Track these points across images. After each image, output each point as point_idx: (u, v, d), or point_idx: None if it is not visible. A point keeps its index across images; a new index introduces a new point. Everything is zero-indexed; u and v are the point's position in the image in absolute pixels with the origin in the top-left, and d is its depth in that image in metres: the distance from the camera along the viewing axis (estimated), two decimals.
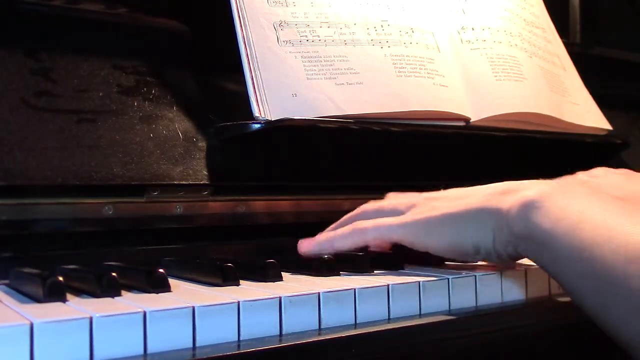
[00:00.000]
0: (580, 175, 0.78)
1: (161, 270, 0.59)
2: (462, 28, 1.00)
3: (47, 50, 0.78)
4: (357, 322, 0.57)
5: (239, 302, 0.52)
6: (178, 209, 0.78)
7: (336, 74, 0.84)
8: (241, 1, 0.84)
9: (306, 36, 0.85)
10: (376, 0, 0.92)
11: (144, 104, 0.80)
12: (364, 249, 0.73)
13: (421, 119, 0.89)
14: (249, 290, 0.57)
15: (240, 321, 0.51)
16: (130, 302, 0.51)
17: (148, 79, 0.83)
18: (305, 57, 0.84)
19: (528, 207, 0.59)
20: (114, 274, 0.56)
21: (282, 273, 0.64)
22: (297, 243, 0.76)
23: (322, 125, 0.80)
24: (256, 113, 0.79)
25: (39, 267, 0.66)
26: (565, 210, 0.57)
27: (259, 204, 0.85)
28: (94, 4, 0.85)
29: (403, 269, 0.72)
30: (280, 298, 0.54)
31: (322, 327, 0.55)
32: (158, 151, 0.78)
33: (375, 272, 0.70)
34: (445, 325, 0.60)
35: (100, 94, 0.78)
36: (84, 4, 0.85)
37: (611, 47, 1.44)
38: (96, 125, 0.76)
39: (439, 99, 0.90)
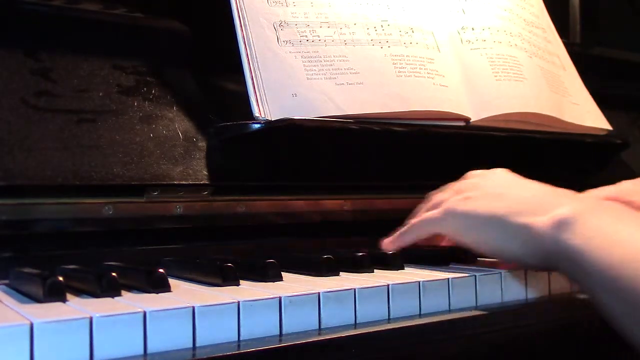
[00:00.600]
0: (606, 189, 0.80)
1: (161, 270, 0.59)
2: (462, 28, 1.00)
3: (47, 50, 0.78)
4: (357, 322, 0.57)
5: (239, 302, 0.52)
6: (178, 209, 0.78)
7: (336, 74, 0.84)
8: (241, 1, 0.84)
9: (306, 36, 0.85)
10: (376, 0, 0.92)
11: (144, 104, 0.80)
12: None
13: (421, 119, 0.89)
14: (249, 290, 0.57)
15: (240, 321, 0.51)
16: (130, 302, 0.51)
17: (148, 79, 0.83)
18: (305, 57, 0.84)
19: (560, 225, 0.60)
20: (114, 274, 0.56)
21: (282, 273, 0.64)
22: (296, 243, 0.76)
23: (322, 125, 0.80)
24: (256, 113, 0.79)
25: (39, 267, 0.66)
26: (596, 228, 0.58)
27: (259, 204, 0.85)
28: (93, 4, 0.85)
29: (403, 268, 0.72)
30: (280, 298, 0.54)
31: (322, 327, 0.55)
32: (158, 151, 0.78)
33: (375, 271, 0.70)
34: (445, 325, 0.60)
35: (100, 94, 0.78)
36: (84, 4, 0.85)
37: (611, 47, 1.44)
38: (96, 125, 0.76)
39: (439, 99, 0.90)
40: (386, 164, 0.93)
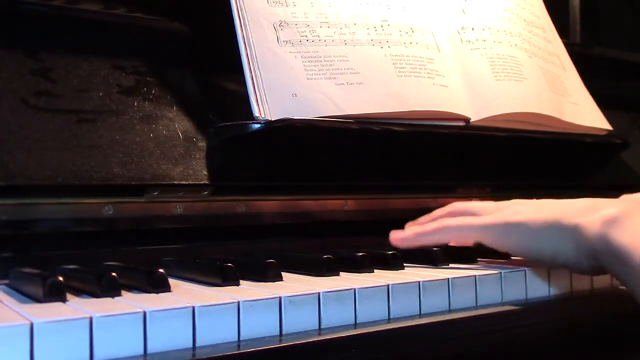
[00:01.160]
0: None
1: (161, 270, 0.59)
2: (462, 28, 1.00)
3: (47, 50, 0.78)
4: (357, 322, 0.57)
5: (239, 302, 0.52)
6: (178, 209, 0.78)
7: (336, 74, 0.84)
8: (241, 1, 0.84)
9: (306, 36, 0.85)
10: (376, 0, 0.92)
11: (144, 104, 0.80)
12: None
13: (421, 119, 0.89)
14: (249, 290, 0.57)
15: (240, 321, 0.51)
16: (130, 302, 0.51)
17: (148, 79, 0.83)
18: (305, 57, 0.84)
19: (609, 224, 0.61)
20: (114, 274, 0.56)
21: (282, 273, 0.64)
22: (296, 243, 0.76)
23: (322, 125, 0.80)
24: (256, 113, 0.79)
25: (39, 267, 0.66)
26: None
27: (259, 204, 0.85)
28: (93, 4, 0.85)
29: (403, 268, 0.72)
30: (280, 298, 0.54)
31: (322, 327, 0.55)
32: (158, 151, 0.78)
33: (375, 271, 0.70)
34: (445, 325, 0.60)
35: (100, 94, 0.78)
36: (84, 4, 0.85)
37: (611, 47, 1.44)
38: (96, 125, 0.76)
39: (439, 99, 0.90)
40: (386, 164, 0.93)
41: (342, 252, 0.80)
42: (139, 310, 0.48)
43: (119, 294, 0.54)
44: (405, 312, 0.60)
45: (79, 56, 0.79)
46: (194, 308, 0.50)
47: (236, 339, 0.51)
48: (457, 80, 0.94)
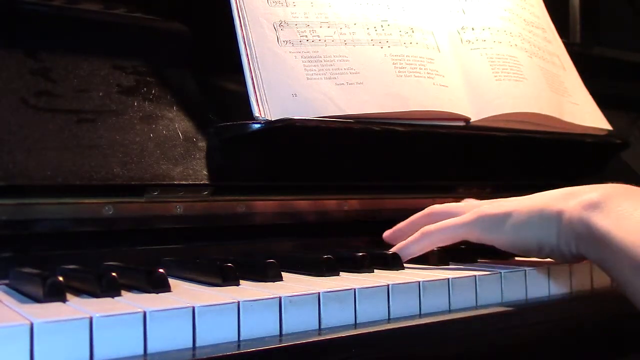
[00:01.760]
0: None
1: (161, 270, 0.59)
2: (462, 28, 1.00)
3: (47, 50, 0.78)
4: (357, 322, 0.57)
5: (239, 302, 0.52)
6: (178, 209, 0.78)
7: (336, 74, 0.84)
8: (241, 1, 0.84)
9: (306, 36, 0.85)
10: (376, 0, 0.92)
11: (144, 104, 0.80)
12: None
13: (421, 119, 0.89)
14: (249, 290, 0.57)
15: (240, 321, 0.51)
16: (130, 302, 0.51)
17: (148, 79, 0.83)
18: (305, 57, 0.84)
19: (590, 208, 0.62)
20: (114, 274, 0.56)
21: (282, 273, 0.64)
22: (296, 243, 0.76)
23: (322, 125, 0.80)
24: (256, 113, 0.79)
25: (39, 267, 0.66)
26: (626, 211, 0.61)
27: (259, 204, 0.85)
28: (94, 4, 0.85)
29: (403, 268, 0.72)
30: (280, 298, 0.54)
31: (322, 327, 0.55)
32: (158, 151, 0.78)
33: (375, 271, 0.70)
34: (445, 325, 0.60)
35: (100, 94, 0.78)
36: (84, 4, 0.85)
37: (611, 47, 1.44)
38: (96, 125, 0.76)
39: (439, 99, 0.90)
40: (386, 164, 0.93)
41: (342, 252, 0.80)
42: (139, 310, 0.48)
43: (119, 294, 0.54)
44: (405, 312, 0.60)
45: (79, 56, 0.79)
46: (194, 308, 0.50)
47: (236, 339, 0.51)
48: (457, 80, 0.94)
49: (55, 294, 0.52)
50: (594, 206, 0.62)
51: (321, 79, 0.83)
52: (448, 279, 0.64)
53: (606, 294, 0.75)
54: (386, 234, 0.83)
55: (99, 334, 0.46)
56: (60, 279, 0.54)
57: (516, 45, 1.03)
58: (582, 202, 0.64)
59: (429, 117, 0.89)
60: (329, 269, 0.67)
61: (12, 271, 0.66)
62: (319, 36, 0.86)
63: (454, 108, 0.91)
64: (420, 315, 0.61)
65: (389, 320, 0.59)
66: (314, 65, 0.84)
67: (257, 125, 0.79)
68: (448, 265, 0.75)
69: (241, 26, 0.83)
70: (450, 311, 0.63)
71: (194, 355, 0.48)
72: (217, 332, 0.50)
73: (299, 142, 0.83)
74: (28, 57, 0.76)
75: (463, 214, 0.74)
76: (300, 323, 0.54)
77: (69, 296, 0.53)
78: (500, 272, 0.68)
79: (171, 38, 0.89)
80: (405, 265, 0.73)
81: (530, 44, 1.06)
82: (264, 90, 0.80)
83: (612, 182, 0.67)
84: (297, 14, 0.86)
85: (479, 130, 0.94)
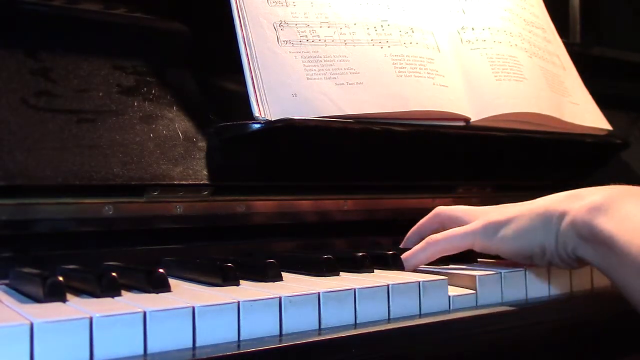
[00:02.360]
0: None
1: (161, 270, 0.59)
2: (462, 28, 1.00)
3: (47, 50, 0.78)
4: (357, 322, 0.57)
5: (239, 302, 0.52)
6: (178, 209, 0.78)
7: (336, 74, 0.84)
8: (241, 1, 0.84)
9: (306, 36, 0.85)
10: (376, 0, 0.92)
11: (144, 104, 0.80)
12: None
13: (421, 119, 0.89)
14: (249, 290, 0.57)
15: (240, 321, 0.51)
16: (130, 302, 0.51)
17: (148, 79, 0.83)
18: (305, 57, 0.84)
19: (594, 211, 0.62)
20: (114, 274, 0.56)
21: (282, 273, 0.64)
22: (296, 243, 0.76)
23: (322, 125, 0.80)
24: (256, 113, 0.79)
25: (39, 267, 0.66)
26: (630, 213, 0.60)
27: (259, 204, 0.85)
28: (94, 4, 0.85)
29: (403, 268, 0.72)
30: (280, 298, 0.54)
31: (322, 327, 0.55)
32: (158, 151, 0.78)
33: (375, 271, 0.70)
34: (445, 325, 0.60)
35: (100, 94, 0.78)
36: (84, 4, 0.85)
37: (611, 47, 1.44)
38: (96, 125, 0.76)
39: (439, 99, 0.90)
40: (386, 164, 0.93)
41: (342, 252, 0.80)
42: (139, 310, 0.48)
43: (119, 294, 0.54)
44: (405, 312, 0.60)
45: (79, 56, 0.79)
46: (194, 308, 0.50)
47: (236, 339, 0.51)
48: (457, 80, 0.94)
49: (55, 294, 0.52)
50: (597, 208, 0.62)
51: (321, 79, 0.83)
52: (447, 279, 0.64)
53: (606, 294, 0.75)
54: (401, 245, 0.82)
55: (99, 334, 0.46)
56: (60, 279, 0.54)
57: (516, 45, 1.03)
58: (585, 204, 0.63)
59: (429, 117, 0.89)
60: (329, 269, 0.67)
61: (12, 271, 0.66)
62: (319, 36, 0.86)
63: (454, 108, 0.91)
64: (420, 315, 0.61)
65: (389, 320, 0.59)
66: (314, 65, 0.84)
67: (257, 125, 0.79)
68: (448, 265, 0.75)
69: (241, 26, 0.83)
70: (450, 311, 0.63)
71: (194, 355, 0.48)
72: (217, 332, 0.50)
73: (299, 142, 0.83)
74: (28, 57, 0.76)
75: (468, 221, 0.74)
76: (300, 323, 0.54)
77: (69, 296, 0.53)
78: (500, 272, 0.68)
79: (171, 38, 0.89)
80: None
81: (530, 44, 1.06)
82: (264, 90, 0.80)
83: (613, 183, 0.67)
84: (297, 14, 0.86)
85: (479, 130, 0.94)
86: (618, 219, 0.60)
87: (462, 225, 0.74)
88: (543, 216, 0.67)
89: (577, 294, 0.73)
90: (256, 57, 0.81)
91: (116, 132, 0.76)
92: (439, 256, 0.74)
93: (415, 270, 0.72)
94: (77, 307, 0.49)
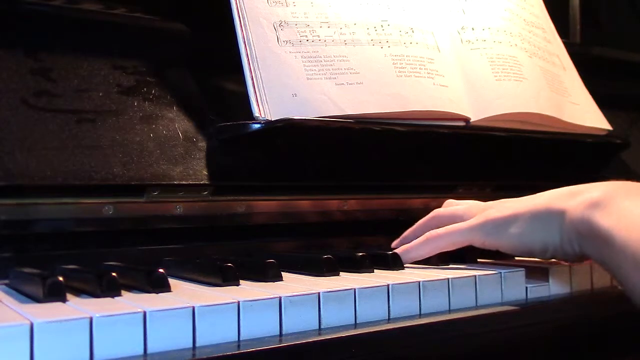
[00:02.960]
0: None
1: (161, 270, 0.59)
2: (462, 28, 1.00)
3: (47, 50, 0.78)
4: (357, 322, 0.57)
5: (239, 302, 0.52)
6: (178, 209, 0.78)
7: (336, 74, 0.84)
8: (241, 1, 0.84)
9: (306, 36, 0.85)
10: (376, 1, 0.92)
11: (144, 104, 0.80)
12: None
13: (421, 119, 0.89)
14: (249, 290, 0.57)
15: (240, 321, 0.51)
16: (130, 302, 0.51)
17: (148, 79, 0.83)
18: (305, 57, 0.84)
19: (592, 207, 0.62)
20: (114, 274, 0.56)
21: (282, 273, 0.64)
22: (296, 243, 0.76)
23: (322, 125, 0.80)
24: (256, 113, 0.79)
25: (39, 267, 0.66)
26: (627, 209, 0.60)
27: (259, 204, 0.85)
28: (94, 4, 0.85)
29: (403, 268, 0.72)
30: (280, 298, 0.54)
31: (322, 327, 0.55)
32: (158, 151, 0.78)
33: (375, 271, 0.70)
34: (445, 325, 0.60)
35: (100, 94, 0.78)
36: (84, 4, 0.85)
37: (611, 47, 1.44)
38: (96, 125, 0.76)
39: (439, 99, 0.90)
40: (386, 164, 0.93)
41: (342, 252, 0.80)
42: (139, 310, 0.48)
43: (119, 294, 0.54)
44: (405, 312, 0.60)
45: (79, 56, 0.79)
46: (194, 308, 0.50)
47: (236, 339, 0.51)
48: (457, 80, 0.94)
49: (55, 294, 0.52)
50: (596, 205, 0.62)
51: (321, 79, 0.83)
52: (448, 279, 0.64)
53: (606, 294, 0.75)
54: (394, 243, 0.82)
55: (99, 334, 0.46)
56: (60, 279, 0.54)
57: (516, 45, 1.03)
58: (584, 201, 0.63)
59: (429, 117, 0.89)
60: (329, 269, 0.67)
61: (12, 271, 0.66)
62: (319, 36, 0.86)
63: (454, 108, 0.91)
64: (420, 315, 0.61)
65: (389, 320, 0.59)
66: (314, 65, 0.84)
67: (257, 125, 0.79)
68: (448, 265, 0.75)
69: (241, 26, 0.83)
70: (450, 311, 0.63)
71: (194, 355, 0.48)
72: (217, 332, 0.50)
73: (299, 142, 0.83)
74: (28, 57, 0.76)
75: (468, 218, 0.74)
76: (300, 323, 0.54)
77: (69, 296, 0.53)
78: (500, 272, 0.68)
79: (171, 38, 0.89)
80: (405, 265, 0.73)
81: (530, 44, 1.06)
82: (264, 90, 0.80)
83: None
84: (297, 14, 0.86)
85: (479, 130, 0.94)
86: (616, 215, 0.60)
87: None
88: (543, 214, 0.67)
89: (577, 294, 0.73)
90: (256, 57, 0.81)
91: (116, 132, 0.76)
92: (438, 252, 0.74)
93: (415, 270, 0.71)
94: (77, 307, 0.49)
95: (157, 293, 0.56)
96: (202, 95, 0.86)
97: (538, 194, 0.71)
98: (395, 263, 0.72)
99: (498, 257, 0.79)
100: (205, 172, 0.79)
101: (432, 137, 0.91)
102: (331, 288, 0.57)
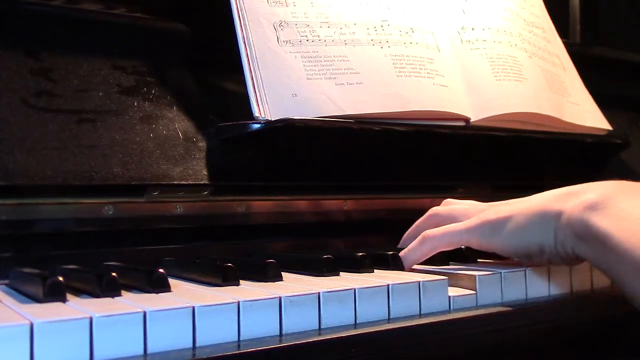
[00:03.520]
0: None
1: (161, 270, 0.59)
2: (462, 28, 1.00)
3: (47, 50, 0.78)
4: (357, 322, 0.57)
5: (239, 302, 0.52)
6: (178, 209, 0.78)
7: (336, 74, 0.84)
8: (241, 1, 0.84)
9: (306, 36, 0.85)
10: (376, 1, 0.92)
11: (144, 104, 0.80)
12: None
13: (421, 119, 0.89)
14: (249, 290, 0.57)
15: (240, 321, 0.51)
16: (130, 302, 0.51)
17: (148, 79, 0.83)
18: (305, 57, 0.84)
19: (589, 209, 0.61)
20: (114, 274, 0.56)
21: (282, 273, 0.64)
22: (296, 243, 0.76)
23: (322, 125, 0.80)
24: (256, 113, 0.79)
25: (39, 267, 0.66)
26: (625, 211, 0.60)
27: (259, 204, 0.85)
28: (93, 4, 0.85)
29: (403, 268, 0.72)
30: (280, 298, 0.54)
31: (322, 327, 0.55)
32: (158, 151, 0.78)
33: (375, 271, 0.70)
34: (445, 325, 0.60)
35: (100, 94, 0.78)
36: (84, 4, 0.85)
37: (611, 47, 1.44)
38: (96, 125, 0.76)
39: (439, 99, 0.90)
40: (386, 164, 0.93)
41: (342, 252, 0.80)
42: (139, 310, 0.48)
43: (119, 294, 0.54)
44: (405, 312, 0.60)
45: (79, 56, 0.79)
46: (194, 308, 0.50)
47: (236, 339, 0.51)
48: (457, 80, 0.94)
49: (55, 294, 0.52)
50: (593, 206, 0.61)
51: (321, 79, 0.83)
52: (447, 279, 0.64)
53: (606, 294, 0.75)
54: (398, 246, 0.82)
55: (99, 334, 0.46)
56: (60, 279, 0.54)
57: (516, 45, 1.03)
58: (581, 202, 0.63)
59: (429, 117, 0.89)
60: (329, 269, 0.67)
61: (12, 271, 0.66)
62: (319, 36, 0.86)
63: (454, 108, 0.91)
64: (420, 316, 0.61)
65: (389, 320, 0.59)
66: (314, 65, 0.84)
67: (257, 125, 0.79)
68: (448, 265, 0.75)
69: (241, 26, 0.83)
70: (450, 311, 0.63)
71: (194, 355, 0.48)
72: (217, 332, 0.50)
73: (298, 142, 0.83)
74: (28, 57, 0.76)
75: (465, 219, 0.73)
76: (300, 323, 0.54)
77: (69, 296, 0.53)
78: (500, 272, 0.68)
79: (171, 38, 0.89)
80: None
81: (530, 44, 1.06)
82: (264, 90, 0.80)
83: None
84: (297, 14, 0.86)
85: (479, 130, 0.94)
86: (614, 217, 0.60)
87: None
88: (540, 215, 0.66)
89: (577, 294, 0.73)
90: (256, 57, 0.81)
91: (116, 132, 0.76)
92: (436, 252, 0.74)
93: (415, 270, 0.72)
94: (77, 307, 0.49)
95: (157, 293, 0.56)
96: (202, 95, 0.86)
97: (535, 195, 0.70)
98: (395, 263, 0.72)
99: (498, 257, 0.79)
100: (205, 172, 0.79)
101: (432, 137, 0.91)
102: (331, 288, 0.57)
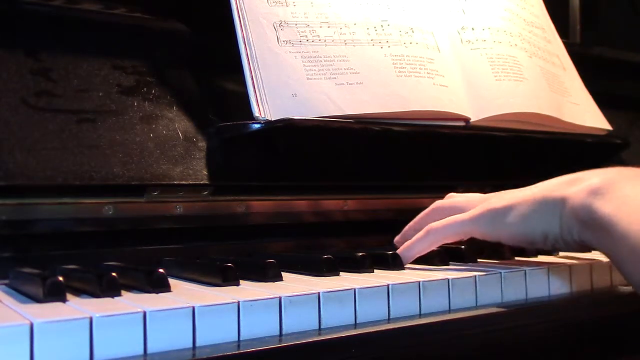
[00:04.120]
0: None
1: (161, 270, 0.59)
2: (462, 28, 1.00)
3: (47, 50, 0.78)
4: (357, 322, 0.57)
5: (239, 302, 0.52)
6: (178, 209, 0.78)
7: (336, 74, 0.84)
8: (241, 1, 0.84)
9: (306, 36, 0.85)
10: (376, 0, 0.92)
11: (144, 104, 0.80)
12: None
13: (421, 119, 0.89)
14: (249, 290, 0.57)
15: (240, 321, 0.51)
16: (130, 302, 0.51)
17: (148, 79, 0.83)
18: (305, 57, 0.84)
19: (592, 194, 0.62)
20: (114, 274, 0.56)
21: (282, 273, 0.64)
22: (296, 243, 0.76)
23: (322, 125, 0.80)
24: (256, 113, 0.79)
25: (39, 267, 0.66)
26: (628, 196, 0.60)
27: (259, 204, 0.85)
28: (93, 4, 0.85)
29: (403, 268, 0.72)
30: (280, 298, 0.54)
31: (322, 327, 0.55)
32: (158, 151, 0.78)
33: (375, 271, 0.70)
34: (445, 325, 0.60)
35: (100, 94, 0.78)
36: (84, 4, 0.85)
37: (611, 47, 1.44)
38: (96, 125, 0.76)
39: (439, 99, 0.90)
40: (386, 164, 0.93)
41: (342, 252, 0.80)
42: (139, 310, 0.48)
43: (119, 294, 0.54)
44: (405, 312, 0.60)
45: (79, 56, 0.79)
46: (194, 308, 0.50)
47: (236, 339, 0.51)
48: (457, 80, 0.94)
49: (55, 294, 0.52)
50: (596, 192, 0.62)
51: (321, 79, 0.83)
52: (448, 279, 0.64)
53: (606, 294, 0.75)
54: (397, 238, 0.82)
55: (99, 334, 0.46)
56: (60, 279, 0.54)
57: (516, 45, 1.03)
58: (584, 188, 0.63)
59: (429, 117, 0.89)
60: (329, 269, 0.67)
61: (12, 271, 0.66)
62: (319, 36, 0.86)
63: (454, 108, 0.91)
64: (420, 315, 0.61)
65: (389, 320, 0.59)
66: (314, 65, 0.84)
67: (257, 125, 0.79)
68: (448, 265, 0.75)
69: (241, 26, 0.83)
70: (450, 311, 0.63)
71: (194, 355, 0.48)
72: (217, 332, 0.50)
73: (299, 142, 0.83)
74: (28, 57, 0.76)
75: (469, 210, 0.73)
76: (300, 323, 0.54)
77: (69, 296, 0.53)
78: (500, 272, 0.68)
79: (171, 38, 0.89)
80: (405, 265, 0.73)
81: (530, 44, 1.06)
82: (264, 90, 0.80)
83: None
84: (297, 14, 0.86)
85: (479, 130, 0.94)
86: (616, 202, 0.60)
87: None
88: (543, 202, 0.67)
89: (577, 294, 0.73)
90: (256, 57, 0.81)
91: (116, 132, 0.76)
92: (440, 244, 0.74)
93: (415, 270, 0.72)
94: (77, 307, 0.49)
95: (157, 293, 0.56)
96: (202, 95, 0.86)
97: (538, 184, 0.70)
98: (395, 263, 0.72)
99: (498, 257, 0.79)
100: (205, 172, 0.79)
101: (432, 137, 0.91)
102: (331, 288, 0.57)
